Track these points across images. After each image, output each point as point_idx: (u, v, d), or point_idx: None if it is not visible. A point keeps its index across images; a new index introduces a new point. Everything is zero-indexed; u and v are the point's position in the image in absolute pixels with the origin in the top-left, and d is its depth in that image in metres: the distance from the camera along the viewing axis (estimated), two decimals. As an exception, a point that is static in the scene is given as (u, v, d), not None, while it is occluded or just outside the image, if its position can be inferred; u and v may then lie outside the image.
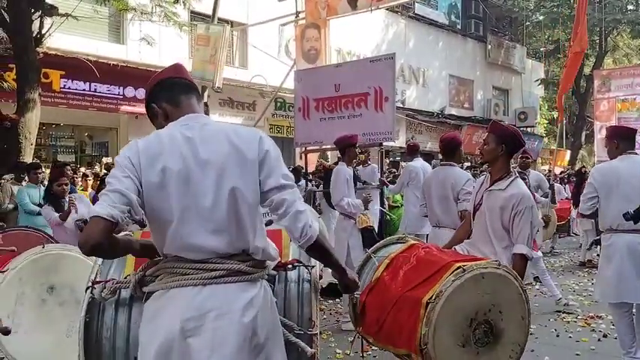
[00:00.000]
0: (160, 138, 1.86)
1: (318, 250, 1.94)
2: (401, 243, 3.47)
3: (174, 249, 1.83)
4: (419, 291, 2.87)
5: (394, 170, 12.49)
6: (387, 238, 3.77)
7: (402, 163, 12.63)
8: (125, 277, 2.11)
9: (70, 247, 3.98)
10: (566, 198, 12.14)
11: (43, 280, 3.64)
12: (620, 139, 4.27)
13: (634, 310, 4.23)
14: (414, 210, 6.63)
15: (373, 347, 4.80)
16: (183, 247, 1.81)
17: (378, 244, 3.64)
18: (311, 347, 2.06)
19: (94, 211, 1.69)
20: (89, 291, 2.07)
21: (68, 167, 6.80)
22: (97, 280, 2.12)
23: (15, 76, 9.16)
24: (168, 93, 2.00)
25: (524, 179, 6.90)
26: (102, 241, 1.67)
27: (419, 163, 6.91)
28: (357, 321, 3.32)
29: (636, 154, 4.23)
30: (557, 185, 12.85)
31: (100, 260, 2.24)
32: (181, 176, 1.79)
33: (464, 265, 2.84)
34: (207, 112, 2.50)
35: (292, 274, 2.20)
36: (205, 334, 1.75)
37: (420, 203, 5.52)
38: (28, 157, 8.50)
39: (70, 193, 5.83)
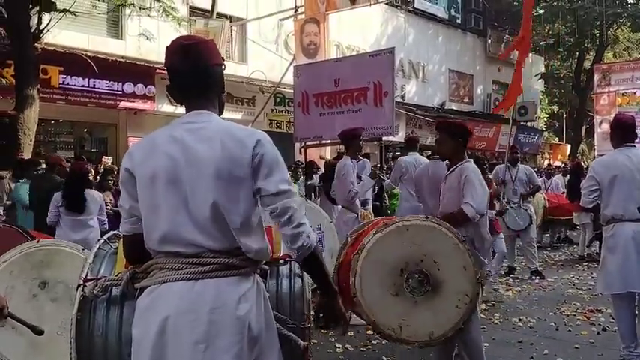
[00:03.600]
0: (154, 140, 1.90)
1: (313, 261, 1.90)
2: None
3: (167, 245, 1.83)
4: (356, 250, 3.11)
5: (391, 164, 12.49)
6: (368, 220, 4.00)
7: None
8: (117, 275, 2.10)
9: (65, 243, 3.88)
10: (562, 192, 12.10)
11: (35, 275, 3.54)
12: (620, 130, 4.26)
13: (636, 304, 4.21)
14: (406, 205, 6.62)
15: (373, 341, 4.84)
16: (176, 243, 1.81)
17: (358, 226, 3.89)
18: (304, 340, 2.06)
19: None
20: (80, 288, 2.06)
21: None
22: (89, 277, 2.12)
23: (13, 72, 9.14)
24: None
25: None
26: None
27: (412, 157, 6.85)
28: (342, 296, 3.56)
29: (634, 146, 4.21)
30: (555, 179, 12.88)
31: (90, 258, 2.24)
32: (170, 176, 1.81)
33: (386, 221, 3.11)
34: None
35: (284, 269, 2.21)
36: (200, 327, 1.75)
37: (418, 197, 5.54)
38: (27, 154, 8.50)
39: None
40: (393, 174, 6.98)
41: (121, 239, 2.04)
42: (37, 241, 3.71)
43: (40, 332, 3.37)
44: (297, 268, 2.18)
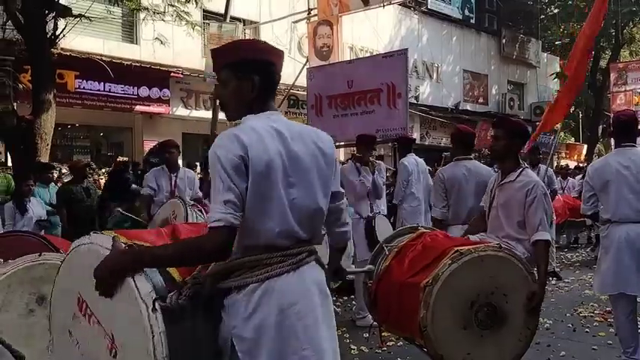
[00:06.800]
0: (258, 131, 1.85)
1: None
2: (413, 233, 3.56)
3: (277, 240, 1.87)
4: (420, 276, 2.97)
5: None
6: (400, 228, 3.84)
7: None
8: (194, 279, 1.91)
9: None
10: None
11: (34, 290, 3.34)
12: (618, 129, 4.09)
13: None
14: (406, 206, 6.58)
15: (388, 343, 4.82)
16: (283, 237, 1.88)
17: (391, 234, 3.72)
18: None
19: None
20: (157, 303, 1.71)
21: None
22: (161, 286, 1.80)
23: (30, 78, 9.25)
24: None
25: None
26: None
27: (412, 158, 6.76)
28: (372, 309, 3.49)
29: (634, 146, 4.02)
30: (571, 180, 12.72)
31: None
32: (281, 171, 1.87)
33: (461, 249, 2.91)
34: None
35: None
36: (315, 312, 1.88)
37: (443, 204, 4.64)
38: (44, 158, 8.57)
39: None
40: (399, 178, 6.77)
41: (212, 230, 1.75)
42: (39, 255, 3.49)
43: (20, 358, 3.30)
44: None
